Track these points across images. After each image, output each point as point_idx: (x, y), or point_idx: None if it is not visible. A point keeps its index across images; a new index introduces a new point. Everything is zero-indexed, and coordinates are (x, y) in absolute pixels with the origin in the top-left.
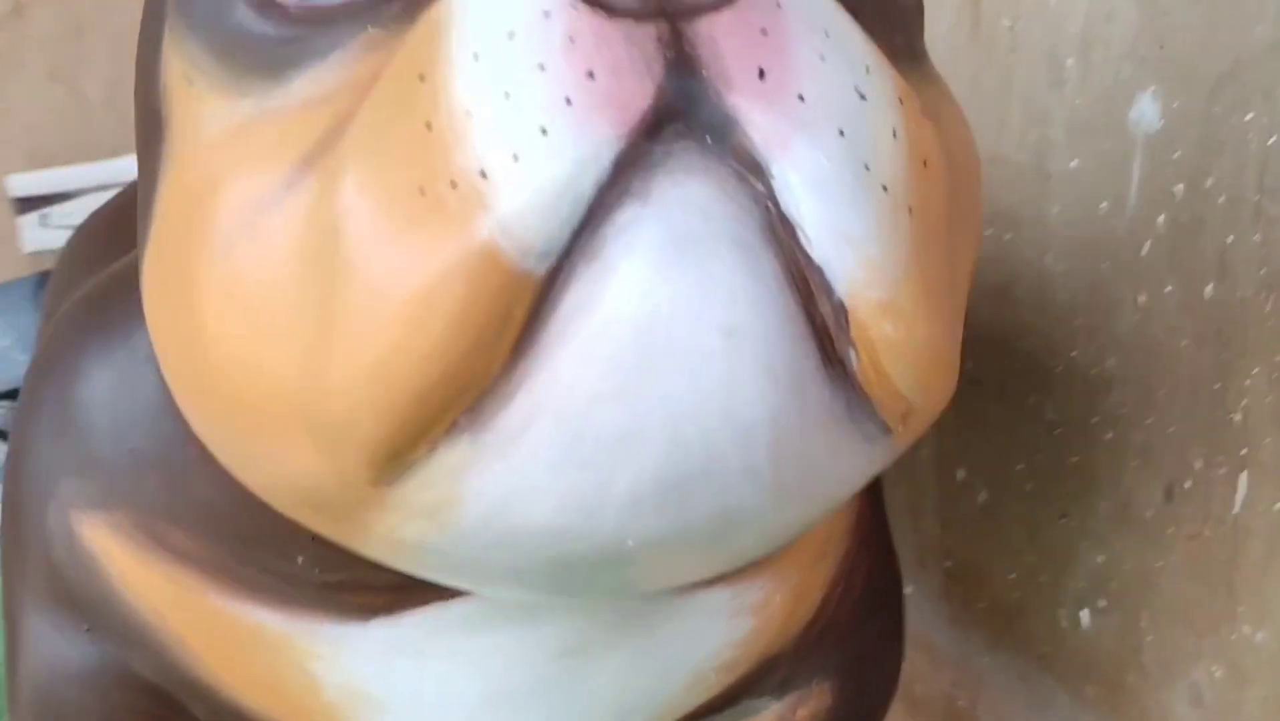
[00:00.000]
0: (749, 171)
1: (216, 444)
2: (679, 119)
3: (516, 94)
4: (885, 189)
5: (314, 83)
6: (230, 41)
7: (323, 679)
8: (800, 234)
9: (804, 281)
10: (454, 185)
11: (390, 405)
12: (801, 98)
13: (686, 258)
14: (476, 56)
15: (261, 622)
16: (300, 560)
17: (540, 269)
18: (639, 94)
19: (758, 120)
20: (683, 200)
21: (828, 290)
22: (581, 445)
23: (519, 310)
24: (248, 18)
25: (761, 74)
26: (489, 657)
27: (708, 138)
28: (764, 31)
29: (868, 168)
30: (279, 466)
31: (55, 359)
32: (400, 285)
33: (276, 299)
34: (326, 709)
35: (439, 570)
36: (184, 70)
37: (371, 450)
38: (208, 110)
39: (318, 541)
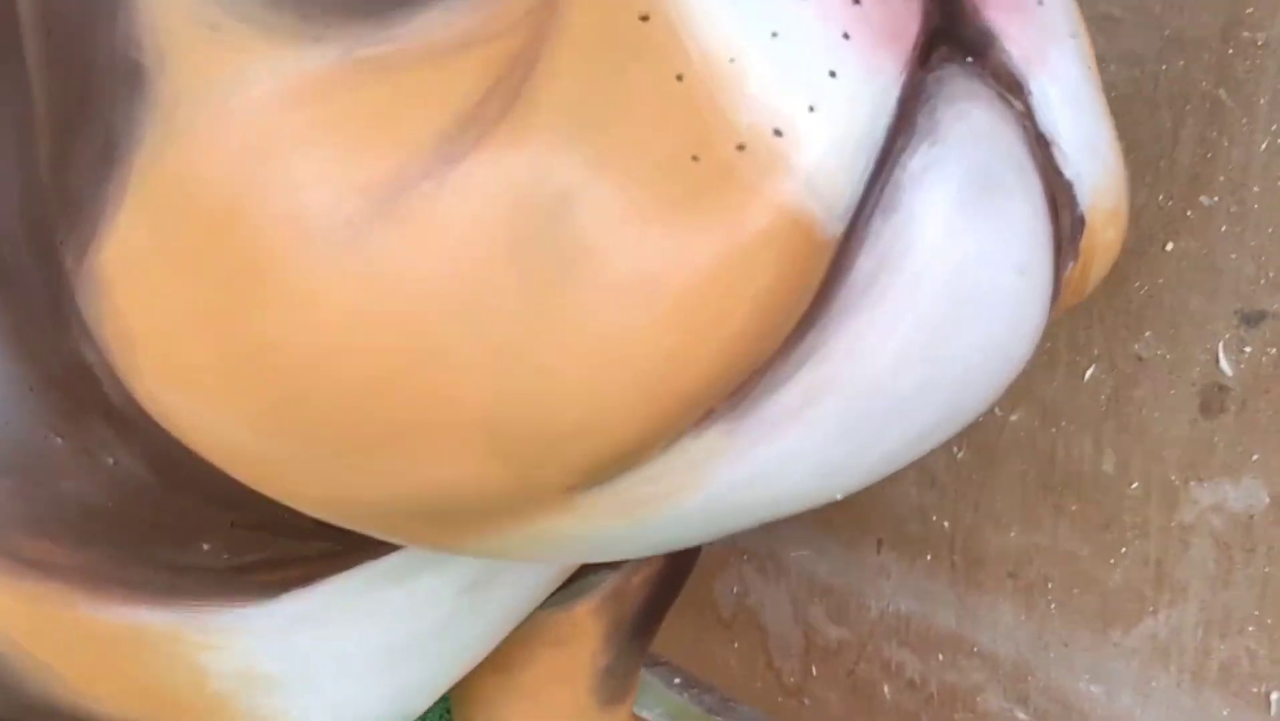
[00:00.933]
0: (1008, 90)
1: (280, 457)
2: (943, 41)
3: (786, 32)
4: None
5: (439, 24)
6: None
7: (211, 668)
8: (1056, 150)
9: (1053, 199)
10: (742, 148)
11: (650, 410)
12: (1040, 1)
13: (986, 198)
14: None
15: (142, 623)
16: (206, 547)
17: (839, 229)
18: (909, 18)
19: (1014, 34)
20: (972, 134)
21: (1071, 205)
22: (867, 414)
23: (815, 279)
24: None
25: None
26: (400, 606)
27: (968, 58)
28: None
29: (1090, 70)
30: (401, 479)
31: None
32: (684, 272)
33: (449, 300)
34: (211, 701)
35: (562, 555)
36: (197, 11)
37: (595, 459)
38: (254, 61)
39: (235, 526)
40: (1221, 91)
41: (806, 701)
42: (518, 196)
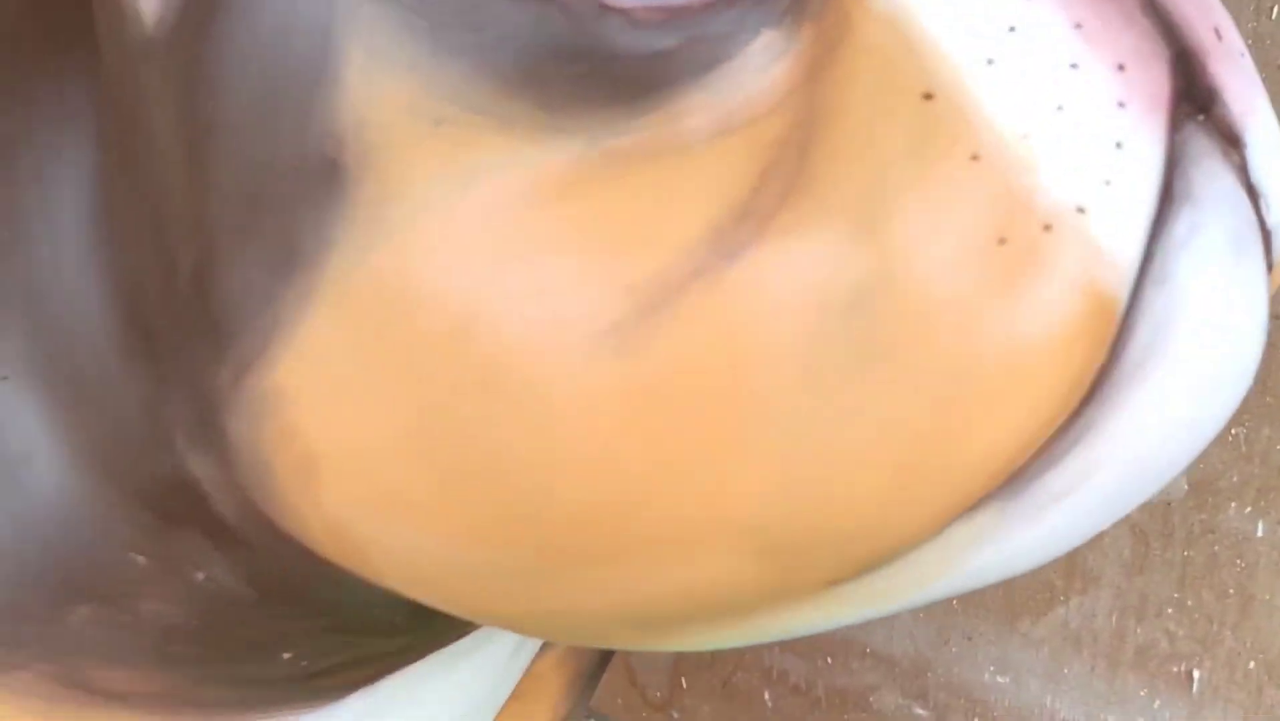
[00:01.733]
0: (1230, 145)
1: (487, 575)
2: (1182, 100)
3: (1070, 104)
4: None
5: (695, 109)
6: (543, 66)
7: None
8: (1263, 202)
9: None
10: (1048, 228)
11: (941, 504)
12: (1242, 54)
13: (1241, 261)
14: (990, 61)
15: None
16: (287, 656)
17: (1125, 304)
18: (1164, 80)
19: (1234, 87)
20: (1224, 195)
21: (1269, 254)
22: (1130, 489)
23: (1104, 356)
24: (574, 31)
25: (1218, 33)
26: (460, 682)
27: (1200, 116)
28: None
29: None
30: (637, 588)
31: None
32: (998, 361)
33: (728, 404)
34: None
35: (759, 640)
36: (417, 104)
37: (871, 555)
38: (485, 156)
39: (325, 631)
40: None
41: (675, 715)
42: (807, 290)
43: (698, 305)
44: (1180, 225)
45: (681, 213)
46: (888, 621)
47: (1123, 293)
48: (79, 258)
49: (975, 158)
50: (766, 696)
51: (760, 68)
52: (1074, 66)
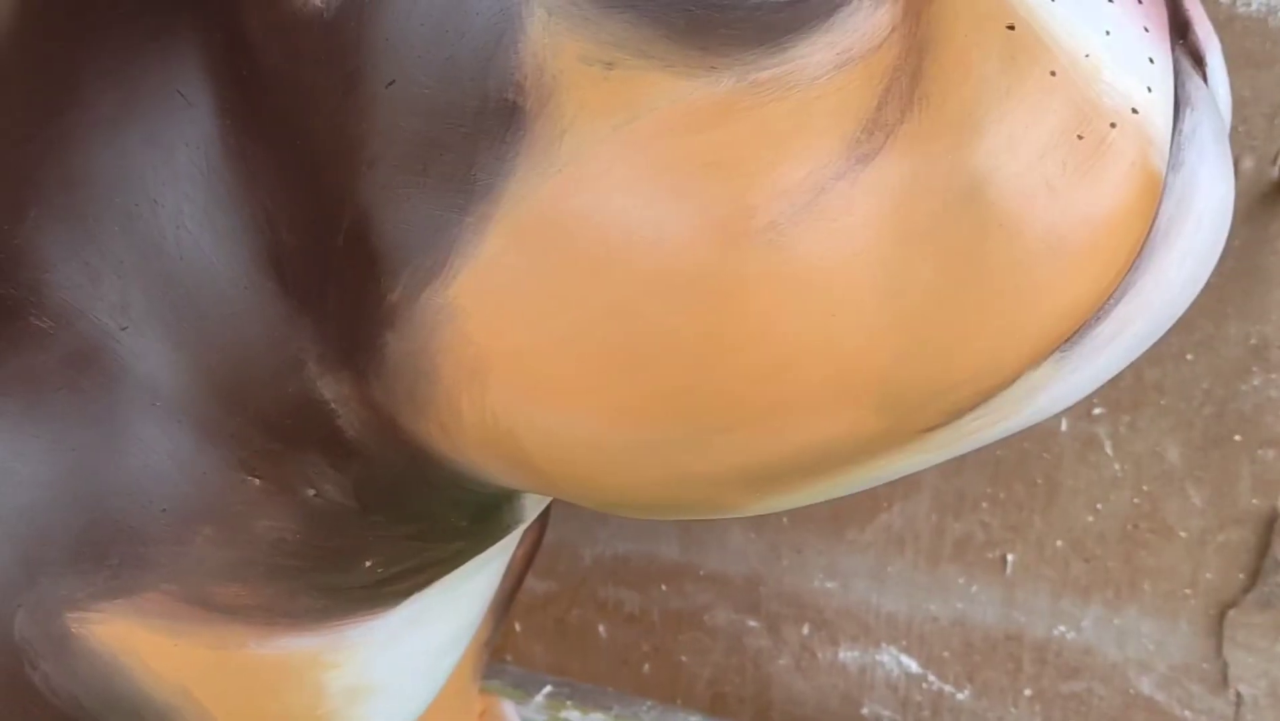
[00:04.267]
0: (1197, 63)
1: (638, 446)
2: (1171, 27)
3: (1115, 30)
4: None
5: (824, 45)
6: (700, 16)
7: (328, 688)
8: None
9: None
10: (1114, 125)
11: (1032, 354)
12: None
13: (1223, 150)
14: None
15: (291, 652)
16: (368, 564)
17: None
18: (1164, 12)
19: (1198, 19)
20: (1208, 100)
21: None
22: (1155, 332)
23: (1147, 225)
24: None
25: None
26: (465, 599)
27: (1180, 40)
28: None
29: None
30: (772, 446)
31: None
32: (1085, 230)
33: (867, 281)
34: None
35: (843, 492)
36: (591, 53)
37: (967, 402)
38: (647, 92)
39: (407, 539)
40: None
41: (509, 658)
42: (930, 185)
43: (839, 203)
44: (1186, 123)
45: (821, 128)
46: (721, 543)
47: (1164, 175)
48: (200, 212)
49: (1053, 73)
50: (601, 629)
51: (870, 10)
52: (1110, 1)
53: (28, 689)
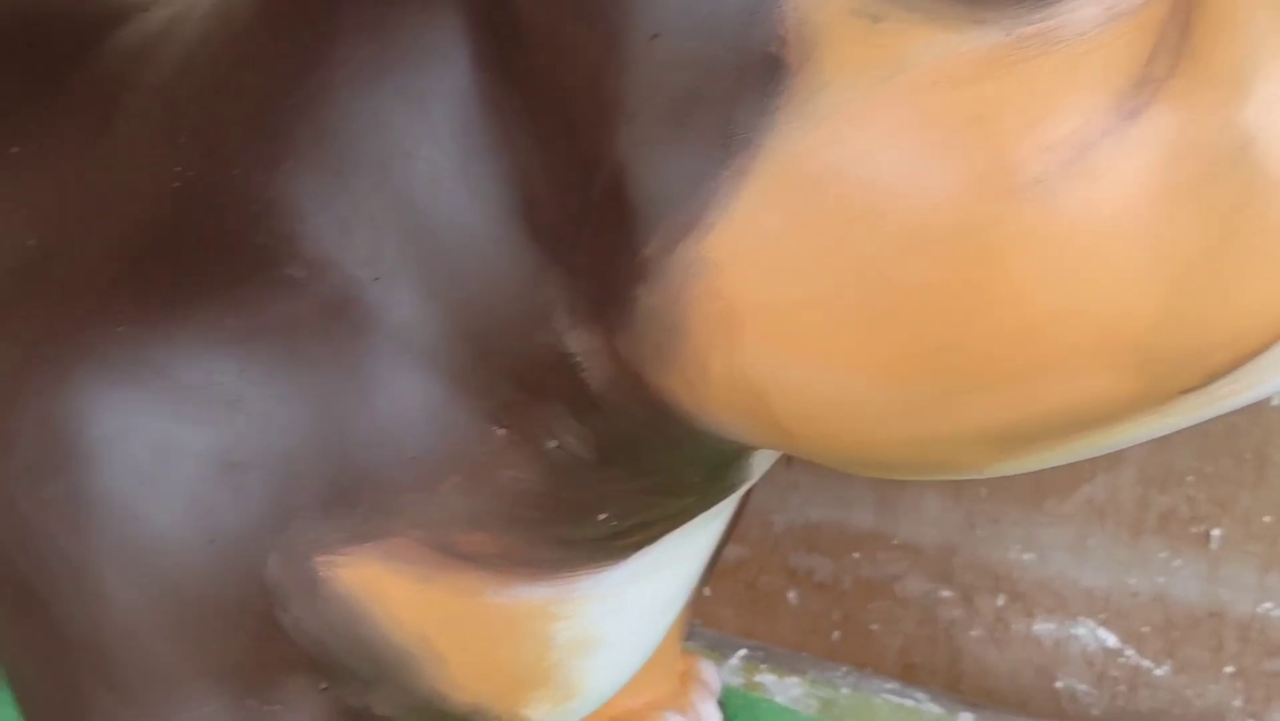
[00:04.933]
0: None
1: (890, 404)
2: None
3: None
4: None
5: (1094, 1)
6: None
7: (556, 639)
8: None
9: None
10: None
11: None
12: None
13: None
14: None
15: (523, 602)
16: (602, 517)
17: None
18: None
19: None
20: None
21: None
22: None
23: None
24: None
25: None
26: (691, 554)
27: None
28: None
29: None
30: (1026, 405)
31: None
32: None
33: (1132, 239)
34: (542, 672)
35: (1071, 458)
36: (860, 7)
37: (1227, 365)
38: (911, 46)
39: (642, 493)
40: None
41: (698, 621)
42: (1199, 142)
43: (1105, 159)
44: None
45: (1088, 83)
46: (916, 512)
47: None
48: (453, 165)
49: None
50: (790, 596)
51: None
52: None
53: (277, 630)
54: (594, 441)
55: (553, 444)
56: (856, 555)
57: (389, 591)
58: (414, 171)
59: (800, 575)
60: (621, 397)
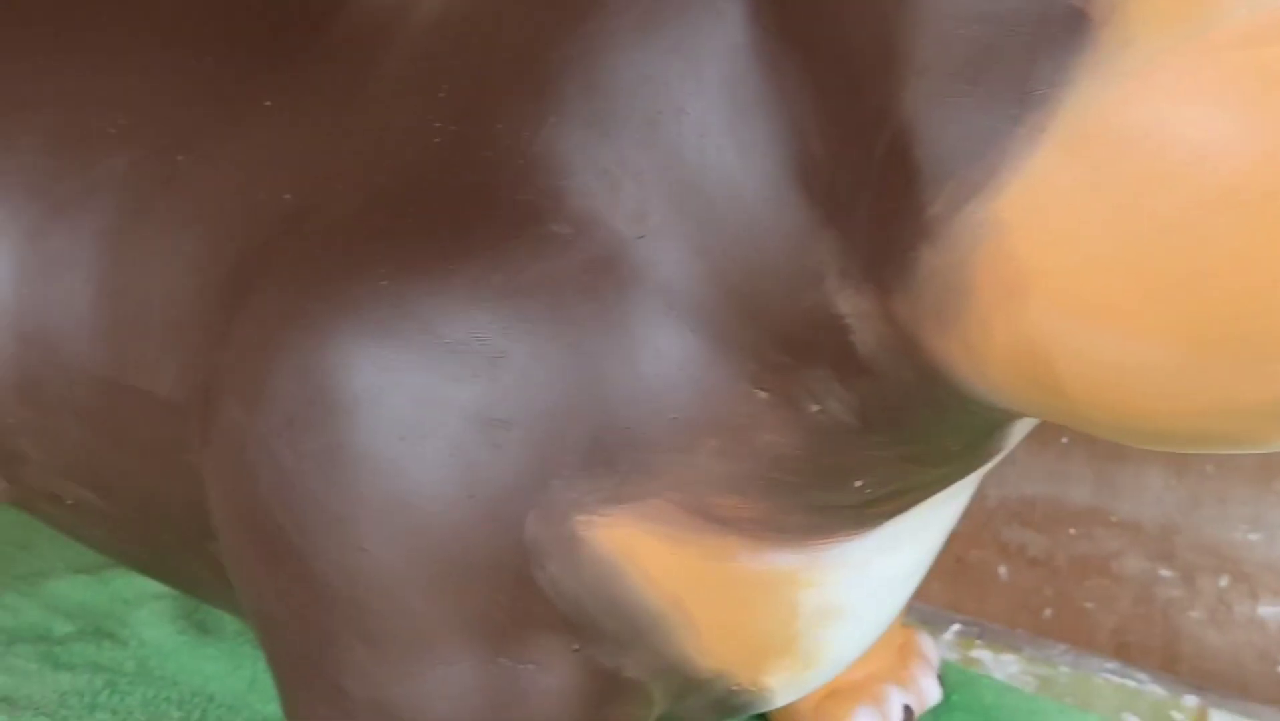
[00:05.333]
0: None
1: (1189, 372)
2: None
3: None
4: None
5: None
6: None
7: (801, 607)
8: None
9: None
10: None
11: None
12: None
13: None
14: None
15: (774, 568)
16: (859, 484)
17: None
18: None
19: None
20: None
21: None
22: None
23: None
24: None
25: None
26: (936, 526)
27: None
28: None
29: None
30: None
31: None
32: None
33: None
34: (784, 641)
35: None
36: None
37: None
38: (1225, 1)
39: (901, 460)
40: None
41: None
42: None
43: None
44: None
45: None
46: (1136, 490)
47: None
48: (724, 121)
49: None
50: (1001, 571)
51: None
52: None
53: (533, 588)
54: (858, 406)
55: (815, 408)
56: (1072, 531)
57: (644, 553)
58: (684, 128)
59: (1012, 550)
60: (891, 361)
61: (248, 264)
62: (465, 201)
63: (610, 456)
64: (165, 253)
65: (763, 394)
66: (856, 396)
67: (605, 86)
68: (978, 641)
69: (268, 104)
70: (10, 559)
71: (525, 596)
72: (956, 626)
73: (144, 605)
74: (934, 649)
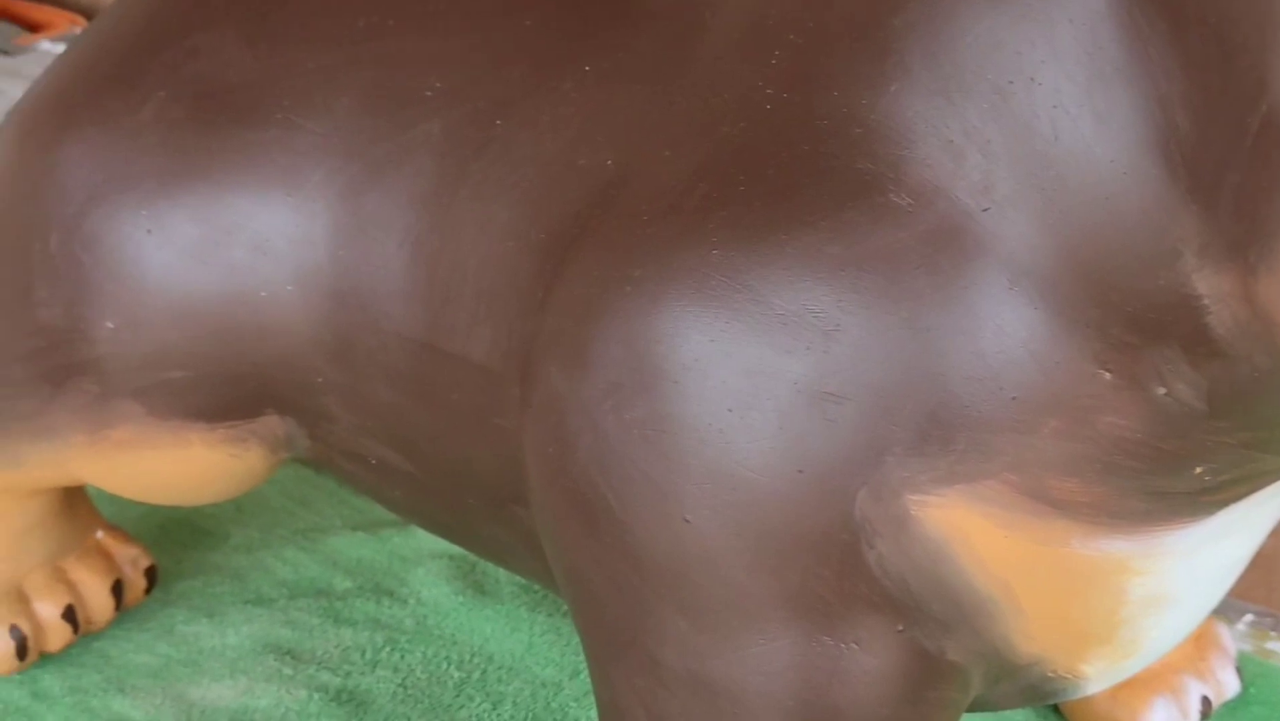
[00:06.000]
0: None
1: None
2: None
3: None
4: None
5: None
6: None
7: (1129, 595)
8: None
9: None
10: None
11: None
12: None
13: None
14: None
15: (1105, 555)
16: (1198, 470)
17: None
18: None
19: None
20: None
21: None
22: None
23: None
24: None
25: None
26: (1271, 512)
27: None
28: None
29: None
30: None
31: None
32: None
33: None
34: (1108, 629)
35: None
36: None
37: None
38: None
39: (1244, 447)
40: None
41: None
42: None
43: None
44: None
45: None
46: None
47: None
48: (1080, 92)
49: None
50: None
51: None
52: None
53: (860, 566)
54: (1206, 390)
55: (1161, 391)
56: None
57: (975, 535)
58: (1036, 97)
59: None
60: (1246, 345)
61: (566, 230)
62: (799, 170)
63: (946, 435)
64: (480, 218)
65: (1107, 374)
66: (1205, 379)
67: (952, 53)
68: (1272, 632)
69: (587, 68)
70: (290, 514)
71: (851, 575)
72: (1250, 616)
73: (421, 564)
74: (1231, 640)
